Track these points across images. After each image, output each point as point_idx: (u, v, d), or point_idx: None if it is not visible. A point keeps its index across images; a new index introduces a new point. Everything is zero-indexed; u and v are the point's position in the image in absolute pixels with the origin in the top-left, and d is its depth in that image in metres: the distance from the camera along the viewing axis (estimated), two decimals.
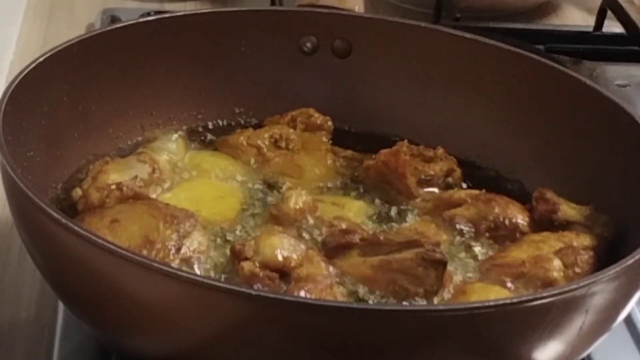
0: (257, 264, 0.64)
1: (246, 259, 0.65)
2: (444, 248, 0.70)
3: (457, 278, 0.68)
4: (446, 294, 0.66)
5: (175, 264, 0.65)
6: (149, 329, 0.59)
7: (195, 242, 0.67)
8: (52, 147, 0.74)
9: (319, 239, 0.70)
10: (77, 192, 0.72)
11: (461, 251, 0.72)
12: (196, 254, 0.67)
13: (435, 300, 0.65)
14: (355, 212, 0.74)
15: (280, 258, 0.65)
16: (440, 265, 0.65)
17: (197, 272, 0.66)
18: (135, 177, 0.73)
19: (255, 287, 0.63)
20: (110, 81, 0.79)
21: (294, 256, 0.65)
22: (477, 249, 0.72)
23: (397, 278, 0.65)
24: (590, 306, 0.58)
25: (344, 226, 0.70)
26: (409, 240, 0.67)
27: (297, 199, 0.71)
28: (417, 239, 0.68)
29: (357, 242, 0.69)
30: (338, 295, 0.65)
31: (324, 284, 0.64)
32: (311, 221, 0.71)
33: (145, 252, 0.64)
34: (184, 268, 0.65)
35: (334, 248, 0.69)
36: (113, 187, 0.71)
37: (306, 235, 0.70)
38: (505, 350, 0.58)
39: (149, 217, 0.67)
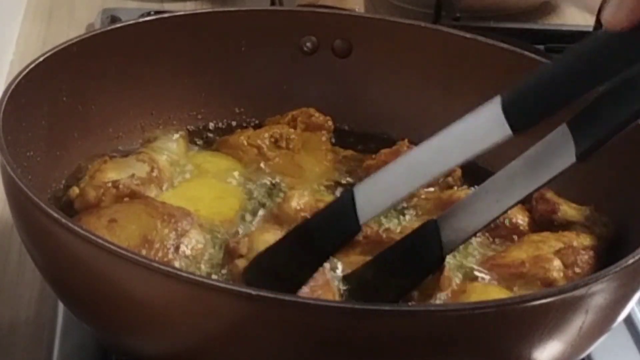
0: None
1: (241, 256, 0.65)
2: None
3: (457, 279, 0.68)
4: (443, 298, 0.66)
5: (174, 263, 0.65)
6: (149, 329, 0.59)
7: (194, 241, 0.67)
8: (52, 147, 0.74)
9: None
10: (75, 191, 0.72)
11: (461, 251, 0.72)
12: (195, 252, 0.67)
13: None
14: None
15: None
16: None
17: (196, 271, 0.66)
18: (132, 175, 0.73)
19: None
20: (110, 81, 0.79)
21: None
22: (477, 249, 0.72)
23: None
24: (590, 306, 0.58)
25: None
26: None
27: (299, 199, 0.71)
28: None
29: (360, 240, 0.69)
30: (335, 291, 0.65)
31: (322, 281, 0.64)
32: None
33: (144, 252, 0.64)
34: (184, 267, 0.65)
35: None
36: (109, 184, 0.71)
37: None
38: (505, 350, 0.58)
39: (146, 216, 0.67)
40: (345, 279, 0.66)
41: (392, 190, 0.62)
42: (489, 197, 0.63)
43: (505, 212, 0.64)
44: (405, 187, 0.62)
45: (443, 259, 0.64)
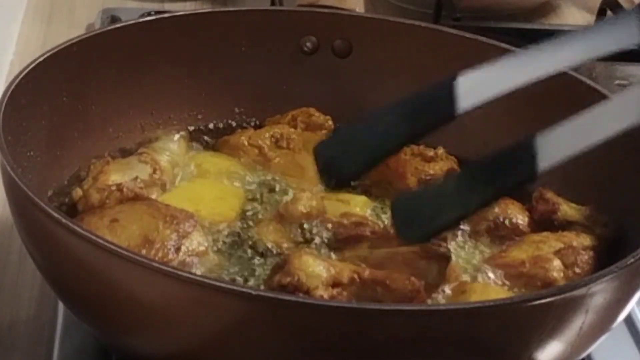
0: (324, 287, 0.63)
1: (308, 289, 0.63)
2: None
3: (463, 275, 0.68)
4: (449, 289, 0.66)
5: (174, 263, 0.65)
6: (148, 329, 0.59)
7: (195, 242, 0.67)
8: (52, 147, 0.74)
9: (323, 238, 0.70)
10: (78, 193, 0.72)
11: (461, 251, 0.72)
12: (195, 254, 0.67)
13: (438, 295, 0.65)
14: (360, 207, 0.74)
15: (326, 274, 0.64)
16: (443, 259, 0.66)
17: (197, 272, 0.66)
18: (136, 178, 0.73)
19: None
20: (110, 81, 0.79)
21: (331, 269, 0.64)
22: (477, 249, 0.72)
23: (402, 270, 0.65)
24: (590, 306, 0.58)
25: (352, 220, 0.70)
26: None
27: (307, 202, 0.71)
28: None
29: (368, 235, 0.69)
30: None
31: None
32: (316, 226, 0.71)
33: (144, 252, 0.64)
34: (183, 268, 0.65)
35: (344, 240, 0.69)
36: (113, 188, 0.71)
37: (309, 236, 0.70)
38: (506, 350, 0.58)
39: (148, 217, 0.67)
40: (396, 202, 0.65)
41: (497, 82, 0.62)
42: (599, 120, 0.62)
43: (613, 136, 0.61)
44: (514, 81, 0.62)
45: (536, 175, 0.61)
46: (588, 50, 0.63)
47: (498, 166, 0.63)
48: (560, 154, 0.61)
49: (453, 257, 0.68)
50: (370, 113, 0.66)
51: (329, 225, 0.71)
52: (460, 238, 0.72)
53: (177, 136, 0.81)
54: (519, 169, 0.62)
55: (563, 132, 0.62)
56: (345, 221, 0.71)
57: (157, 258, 0.64)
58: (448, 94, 0.62)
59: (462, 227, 0.73)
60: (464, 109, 0.62)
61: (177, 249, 0.66)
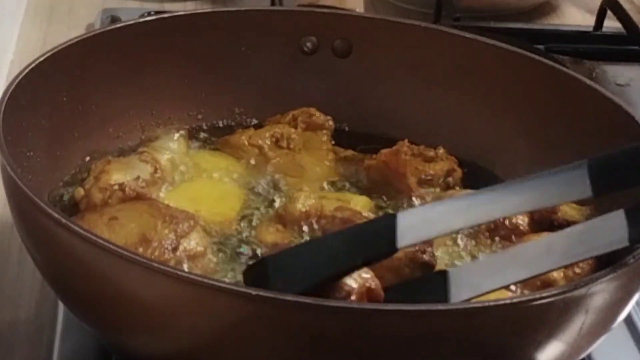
0: None
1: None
2: (443, 249, 0.70)
3: None
4: None
5: (171, 263, 0.65)
6: (148, 329, 0.59)
7: (193, 242, 0.67)
8: (52, 147, 0.74)
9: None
10: (80, 192, 0.72)
11: (461, 251, 0.72)
12: (193, 254, 0.67)
13: None
14: (361, 207, 0.74)
15: None
16: (428, 268, 0.66)
17: (195, 272, 0.66)
18: (138, 177, 0.73)
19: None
20: (110, 81, 0.79)
21: None
22: (477, 249, 0.72)
23: (384, 275, 0.65)
24: (590, 306, 0.58)
25: (345, 215, 0.70)
26: None
27: (305, 201, 0.71)
28: None
29: None
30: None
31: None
32: (315, 225, 0.71)
33: (140, 250, 0.64)
34: (181, 267, 0.65)
35: None
36: (115, 187, 0.71)
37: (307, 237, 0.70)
38: (506, 350, 0.58)
39: (148, 216, 0.67)
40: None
41: (439, 224, 0.62)
42: (518, 260, 0.62)
43: (530, 279, 0.63)
44: (453, 225, 0.63)
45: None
46: (533, 201, 0.63)
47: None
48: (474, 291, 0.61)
49: (439, 264, 0.68)
50: (305, 241, 0.66)
51: (323, 222, 0.70)
52: (459, 239, 0.72)
53: (176, 135, 0.81)
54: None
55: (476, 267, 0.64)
56: (339, 214, 0.70)
57: (153, 257, 0.64)
58: (388, 231, 0.61)
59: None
60: (404, 245, 0.62)
61: (175, 249, 0.66)
